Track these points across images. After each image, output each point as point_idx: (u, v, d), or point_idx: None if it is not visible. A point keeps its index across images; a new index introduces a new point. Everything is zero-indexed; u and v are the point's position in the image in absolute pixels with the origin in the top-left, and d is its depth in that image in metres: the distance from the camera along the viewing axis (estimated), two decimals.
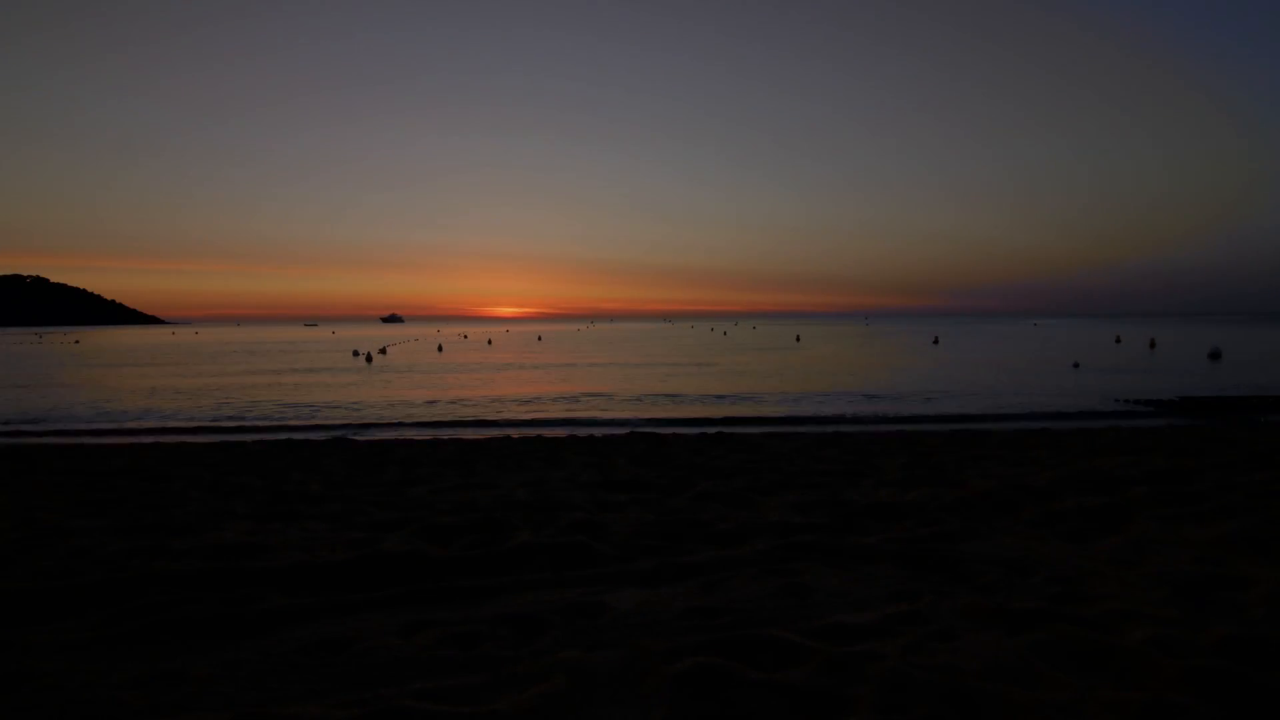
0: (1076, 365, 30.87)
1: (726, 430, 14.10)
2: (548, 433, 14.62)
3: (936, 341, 58.87)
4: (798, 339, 72.90)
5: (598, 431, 14.49)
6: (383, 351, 50.82)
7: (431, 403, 21.37)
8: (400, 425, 16.80)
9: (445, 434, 14.66)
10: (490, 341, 76.52)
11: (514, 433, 14.82)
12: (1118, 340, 57.15)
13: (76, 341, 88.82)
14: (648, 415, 17.90)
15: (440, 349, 57.97)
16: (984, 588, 3.42)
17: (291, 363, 41.11)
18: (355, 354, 47.58)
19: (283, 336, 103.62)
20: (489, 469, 7.75)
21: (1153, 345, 47.44)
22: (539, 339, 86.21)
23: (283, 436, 14.19)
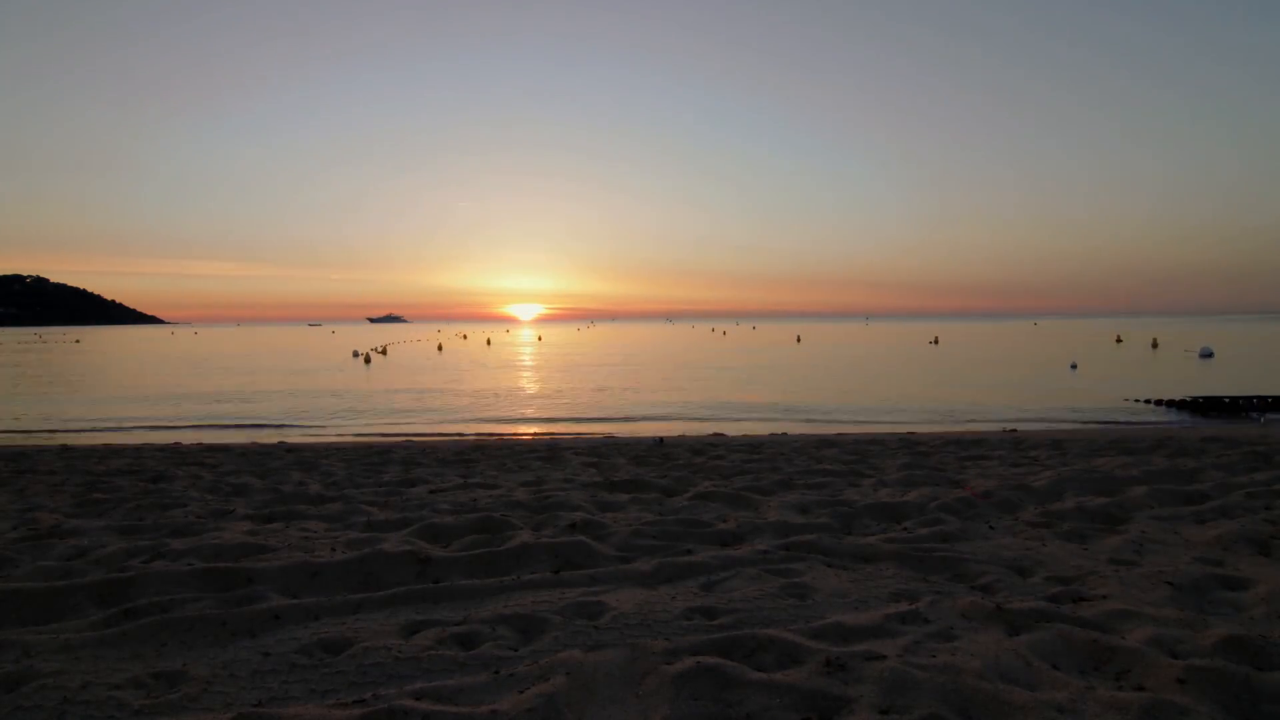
0: (1074, 366, 30.82)
1: (726, 430, 14.10)
2: (547, 432, 14.62)
3: (935, 341, 58.86)
4: (798, 339, 72.88)
5: (597, 430, 14.50)
6: (383, 352, 50.81)
7: (431, 402, 21.37)
8: (398, 425, 16.80)
9: (445, 434, 14.66)
10: (489, 342, 76.53)
11: (513, 432, 14.83)
12: (1118, 340, 57.15)
13: (77, 341, 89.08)
14: (648, 414, 17.90)
15: (440, 349, 58.02)
16: (984, 588, 3.42)
17: (291, 363, 41.10)
18: (355, 354, 47.58)
19: (282, 336, 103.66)
20: (489, 469, 7.75)
21: (1155, 345, 47.40)
22: (539, 339, 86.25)
23: (282, 437, 14.19)
